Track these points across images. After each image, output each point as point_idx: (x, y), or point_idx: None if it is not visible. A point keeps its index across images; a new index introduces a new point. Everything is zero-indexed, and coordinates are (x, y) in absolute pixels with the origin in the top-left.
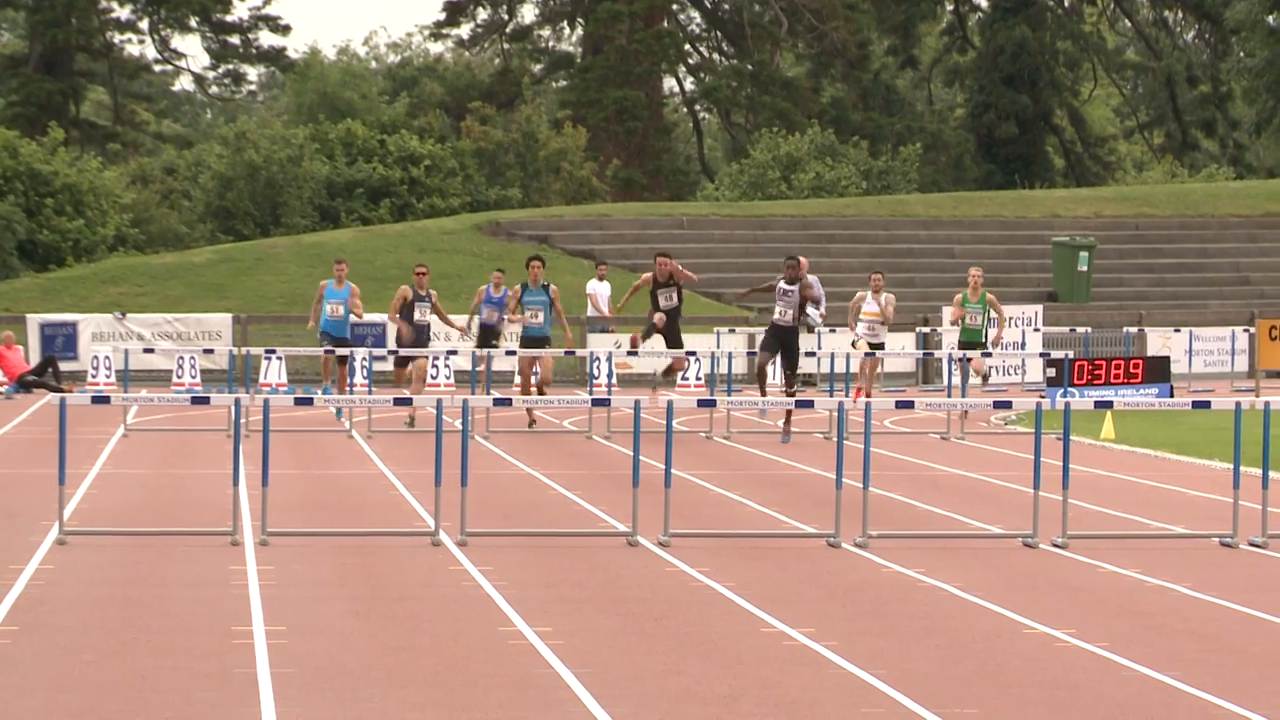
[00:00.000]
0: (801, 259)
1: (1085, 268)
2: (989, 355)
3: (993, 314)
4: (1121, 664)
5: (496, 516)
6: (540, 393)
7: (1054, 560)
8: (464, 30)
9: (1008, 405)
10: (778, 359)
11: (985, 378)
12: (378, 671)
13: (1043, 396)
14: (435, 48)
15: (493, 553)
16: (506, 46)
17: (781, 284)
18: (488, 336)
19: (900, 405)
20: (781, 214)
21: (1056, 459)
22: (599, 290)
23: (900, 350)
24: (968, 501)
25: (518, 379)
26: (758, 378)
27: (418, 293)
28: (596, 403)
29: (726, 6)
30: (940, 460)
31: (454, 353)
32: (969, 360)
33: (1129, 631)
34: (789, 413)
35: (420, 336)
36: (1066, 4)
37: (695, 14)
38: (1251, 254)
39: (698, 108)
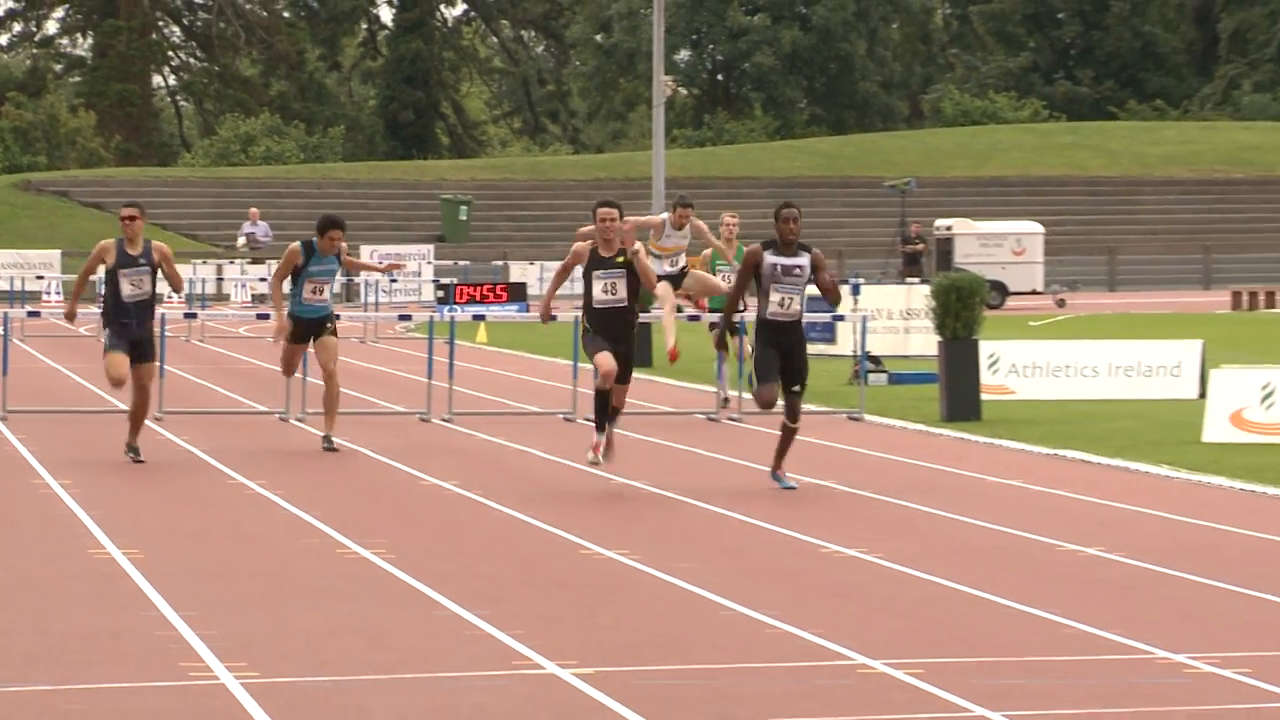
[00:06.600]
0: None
1: (465, 218)
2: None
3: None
4: (493, 507)
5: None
6: (331, 401)
7: (443, 431)
8: (3, 39)
9: (409, 318)
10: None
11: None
12: None
13: (435, 311)
14: None
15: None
16: (36, 51)
17: (774, 259)
18: None
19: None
20: (242, 177)
21: (446, 357)
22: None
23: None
24: (378, 387)
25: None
26: (762, 404)
27: (126, 252)
28: None
29: (199, 23)
30: (359, 357)
31: None
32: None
33: (499, 483)
34: (785, 442)
35: (136, 316)
36: (450, 25)
37: (176, 29)
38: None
39: (179, 98)
